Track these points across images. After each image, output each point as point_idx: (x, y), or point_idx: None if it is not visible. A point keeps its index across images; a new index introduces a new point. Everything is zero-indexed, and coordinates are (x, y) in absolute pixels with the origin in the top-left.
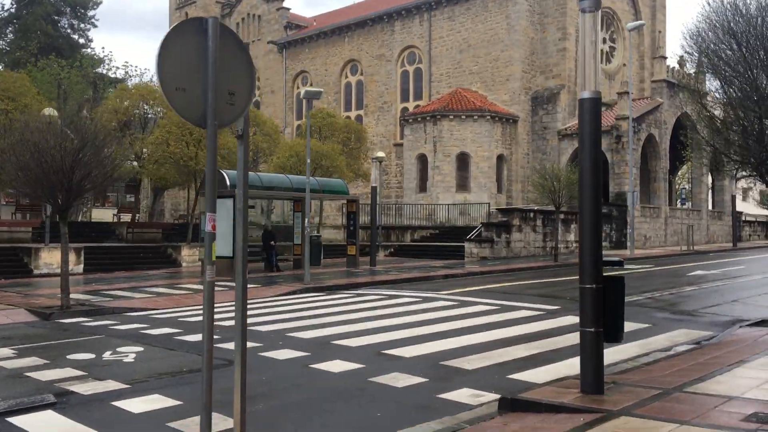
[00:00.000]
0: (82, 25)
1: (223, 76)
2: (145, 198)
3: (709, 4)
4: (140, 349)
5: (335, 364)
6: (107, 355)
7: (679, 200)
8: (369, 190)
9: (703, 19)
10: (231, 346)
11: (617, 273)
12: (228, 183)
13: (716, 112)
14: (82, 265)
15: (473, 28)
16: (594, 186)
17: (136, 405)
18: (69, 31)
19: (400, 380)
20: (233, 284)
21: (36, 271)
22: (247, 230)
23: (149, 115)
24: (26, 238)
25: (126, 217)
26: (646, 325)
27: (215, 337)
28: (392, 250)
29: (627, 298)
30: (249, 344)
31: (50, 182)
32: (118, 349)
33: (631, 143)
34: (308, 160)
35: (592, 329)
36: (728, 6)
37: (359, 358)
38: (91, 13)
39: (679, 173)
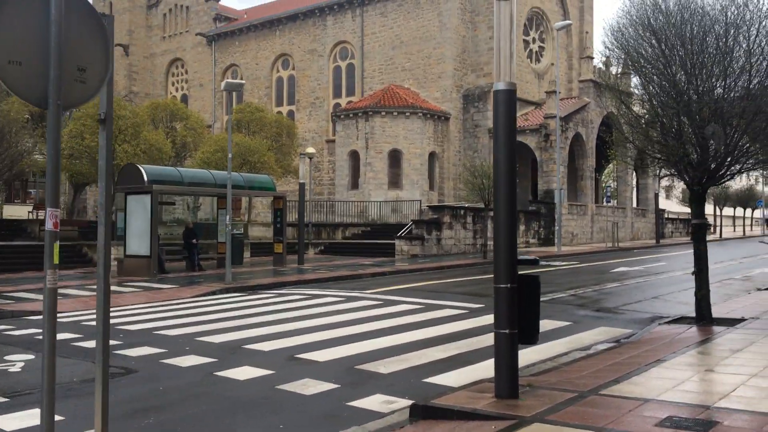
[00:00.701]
0: None
1: (72, 49)
2: (63, 194)
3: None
4: (31, 357)
5: (243, 370)
6: None
7: (604, 198)
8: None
9: (623, 14)
10: (133, 352)
11: (532, 272)
12: (145, 178)
13: (636, 109)
14: None
15: (405, 25)
16: (508, 182)
17: (10, 422)
18: None
19: (310, 387)
20: (148, 285)
21: None
22: (110, 227)
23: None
24: None
25: (43, 215)
26: (567, 323)
27: (117, 342)
28: (322, 247)
29: (550, 296)
30: (152, 350)
31: None
32: (6, 358)
33: (559, 142)
34: (230, 155)
35: (507, 330)
36: (648, 2)
37: (270, 364)
38: None
39: (605, 171)
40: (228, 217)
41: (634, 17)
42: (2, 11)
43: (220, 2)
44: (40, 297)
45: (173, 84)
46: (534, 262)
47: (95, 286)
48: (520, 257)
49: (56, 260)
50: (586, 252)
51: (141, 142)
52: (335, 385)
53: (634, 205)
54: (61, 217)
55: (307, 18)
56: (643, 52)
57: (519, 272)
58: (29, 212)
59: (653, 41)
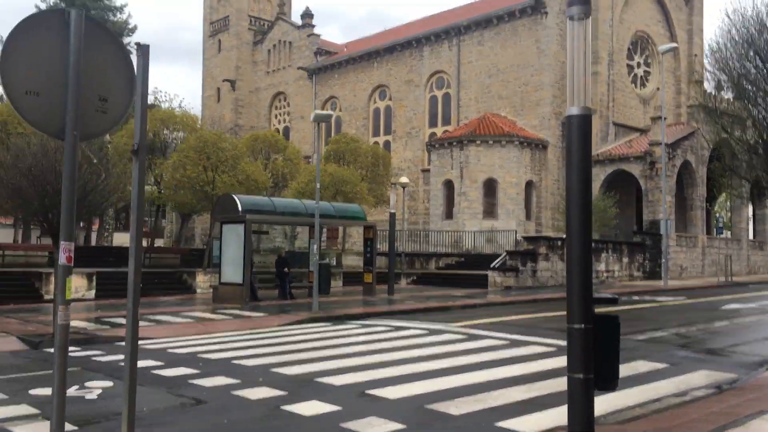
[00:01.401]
0: None
1: (93, 79)
2: (170, 223)
3: (729, 16)
4: (109, 384)
5: (310, 405)
6: (72, 390)
7: (716, 229)
8: None
9: (723, 33)
10: (207, 382)
11: (611, 311)
12: (240, 208)
13: (738, 134)
14: (93, 291)
15: (502, 53)
16: (583, 211)
17: None
18: None
19: (375, 427)
20: (239, 312)
21: (47, 297)
22: (142, 253)
23: (169, 140)
24: (42, 262)
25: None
26: (665, 365)
27: (194, 371)
28: (415, 277)
29: (650, 334)
30: (227, 381)
31: (44, 205)
32: (87, 384)
33: (665, 170)
34: (317, 185)
35: (581, 375)
36: (751, 19)
37: (338, 399)
38: (126, 40)
39: (718, 201)
40: (315, 246)
41: (736, 36)
42: (20, 39)
43: (321, 37)
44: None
45: (276, 116)
46: (613, 301)
47: (190, 313)
48: (598, 295)
49: (68, 296)
50: (695, 287)
51: (239, 173)
52: (401, 426)
53: (750, 237)
54: (168, 245)
55: (404, 49)
56: (746, 73)
57: (597, 311)
58: None
59: (758, 61)
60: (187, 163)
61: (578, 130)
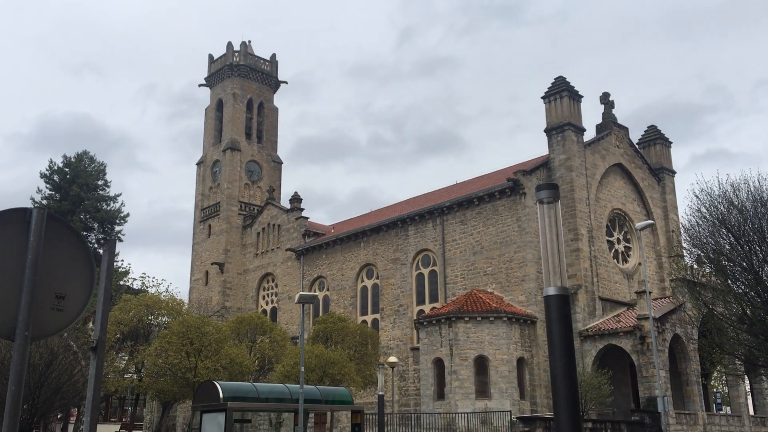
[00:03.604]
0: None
1: (50, 276)
2: (150, 412)
3: (697, 196)
4: None
5: None
6: None
7: (714, 405)
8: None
9: (693, 211)
10: None
11: None
12: (221, 395)
13: (720, 310)
14: None
15: (485, 231)
16: (569, 395)
17: None
18: (96, 245)
19: None
20: None
21: None
22: None
23: (154, 325)
24: None
25: None
26: None
27: None
28: None
29: None
30: None
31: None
32: None
33: (655, 344)
34: (302, 368)
35: None
36: (719, 198)
37: None
38: (117, 228)
39: (714, 375)
40: None
41: (706, 215)
42: None
43: (309, 219)
44: None
45: (264, 297)
46: None
47: None
48: None
49: None
50: None
51: (222, 358)
52: None
53: (751, 412)
54: None
55: (390, 229)
56: (721, 249)
57: None
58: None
59: (731, 238)
60: (169, 348)
61: (557, 311)
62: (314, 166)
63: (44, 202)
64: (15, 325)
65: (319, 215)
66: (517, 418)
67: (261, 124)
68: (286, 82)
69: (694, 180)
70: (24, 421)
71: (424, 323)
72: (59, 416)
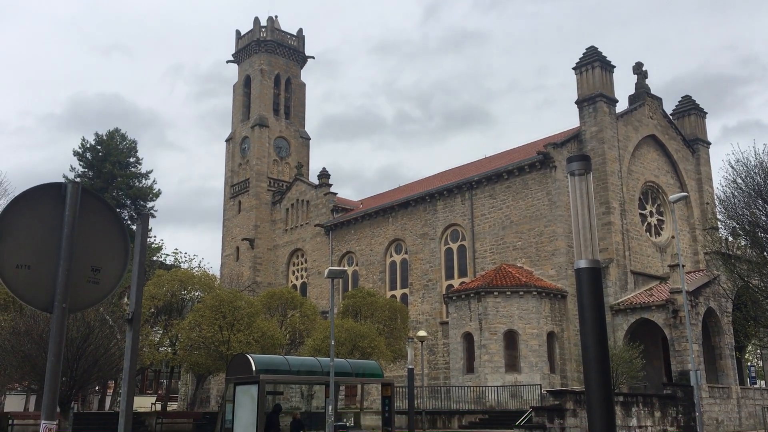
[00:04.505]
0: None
1: (86, 250)
2: (185, 385)
3: (732, 166)
4: None
5: None
6: None
7: (749, 379)
8: None
9: (729, 182)
10: None
11: None
12: (254, 368)
13: (756, 282)
14: None
15: (514, 205)
16: (601, 369)
17: None
18: (128, 222)
19: None
20: None
21: None
22: (131, 422)
23: (187, 300)
24: None
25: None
26: None
27: None
28: None
29: None
30: None
31: None
32: None
33: (689, 318)
34: (332, 342)
35: None
36: (756, 168)
37: None
38: (150, 204)
39: (749, 349)
40: (330, 407)
41: (742, 185)
42: (13, 212)
43: (338, 195)
44: None
45: (294, 273)
46: None
47: None
48: None
49: None
50: None
51: (254, 331)
52: None
53: None
54: (182, 409)
55: (418, 204)
56: (757, 221)
57: None
58: (152, 404)
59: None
60: (203, 322)
61: (588, 284)
62: (341, 143)
63: (78, 180)
64: (53, 298)
65: (347, 192)
66: (547, 391)
67: (288, 100)
68: (313, 57)
69: (729, 151)
70: (63, 393)
71: (453, 298)
72: (97, 388)
